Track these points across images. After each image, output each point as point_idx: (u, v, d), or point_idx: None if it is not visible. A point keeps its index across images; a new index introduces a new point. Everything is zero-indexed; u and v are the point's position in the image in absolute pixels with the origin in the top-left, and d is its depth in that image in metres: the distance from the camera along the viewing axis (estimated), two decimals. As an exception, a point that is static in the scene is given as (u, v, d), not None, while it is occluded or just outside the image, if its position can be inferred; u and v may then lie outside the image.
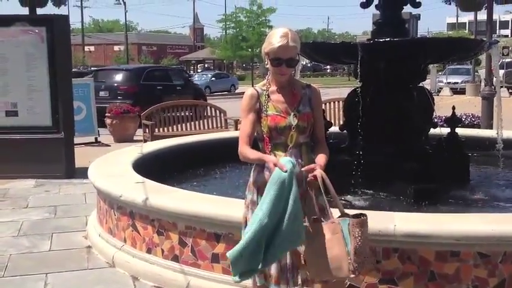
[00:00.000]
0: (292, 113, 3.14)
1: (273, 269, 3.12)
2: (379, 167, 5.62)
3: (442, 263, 3.70)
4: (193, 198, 4.61)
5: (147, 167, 6.09)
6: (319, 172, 3.03)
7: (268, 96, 3.17)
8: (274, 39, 3.07)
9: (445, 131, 6.45)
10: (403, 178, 5.56)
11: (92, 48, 74.60)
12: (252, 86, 3.38)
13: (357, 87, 6.07)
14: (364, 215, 3.06)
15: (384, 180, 5.63)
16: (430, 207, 5.18)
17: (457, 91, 30.27)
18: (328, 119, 8.39)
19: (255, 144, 3.23)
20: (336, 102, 12.22)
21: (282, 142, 3.14)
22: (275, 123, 3.12)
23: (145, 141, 10.90)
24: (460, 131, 6.59)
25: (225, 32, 47.92)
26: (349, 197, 5.68)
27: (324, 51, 6.38)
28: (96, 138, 12.74)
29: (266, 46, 3.12)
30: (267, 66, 3.16)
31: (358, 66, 5.71)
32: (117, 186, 5.10)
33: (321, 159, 3.16)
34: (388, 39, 5.62)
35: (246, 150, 3.14)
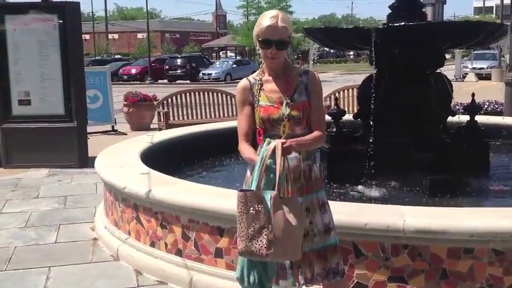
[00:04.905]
0: (285, 101, 2.92)
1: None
2: (394, 157, 5.44)
3: (455, 260, 3.51)
4: (196, 190, 4.45)
5: (156, 157, 5.98)
6: (275, 142, 2.75)
7: (261, 86, 2.97)
8: (264, 20, 2.89)
9: (465, 118, 6.22)
10: (419, 168, 5.36)
11: (116, 36, 75.01)
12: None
13: (372, 74, 5.85)
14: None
15: (399, 171, 5.45)
16: (447, 199, 4.98)
17: (483, 77, 29.66)
18: (342, 107, 8.21)
19: (255, 137, 3.03)
20: (350, 90, 11.98)
21: (276, 134, 2.91)
22: (268, 114, 2.91)
23: (160, 129, 10.79)
24: (481, 118, 6.34)
25: (247, 18, 47.73)
26: (362, 188, 5.51)
27: (336, 37, 6.16)
28: (112, 127, 12.68)
29: (255, 29, 2.93)
30: (259, 52, 2.96)
31: (373, 52, 5.51)
32: (122, 177, 4.97)
33: (301, 137, 2.90)
34: (403, 23, 5.40)
35: (242, 148, 2.98)
